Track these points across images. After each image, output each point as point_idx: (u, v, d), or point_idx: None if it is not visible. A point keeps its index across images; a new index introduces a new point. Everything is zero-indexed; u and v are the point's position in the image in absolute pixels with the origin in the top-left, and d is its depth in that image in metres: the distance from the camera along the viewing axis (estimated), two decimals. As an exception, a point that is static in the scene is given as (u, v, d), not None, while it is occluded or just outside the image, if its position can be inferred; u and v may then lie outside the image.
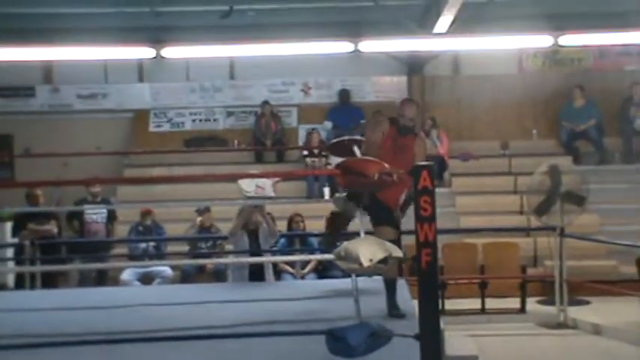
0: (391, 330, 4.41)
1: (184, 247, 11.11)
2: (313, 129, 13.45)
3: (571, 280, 9.50)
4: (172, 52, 12.38)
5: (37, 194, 10.78)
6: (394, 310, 5.89)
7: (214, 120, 14.36)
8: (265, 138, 13.73)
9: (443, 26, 11.56)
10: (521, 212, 12.21)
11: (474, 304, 9.85)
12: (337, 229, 6.54)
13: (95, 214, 11.05)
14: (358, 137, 7.48)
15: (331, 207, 8.22)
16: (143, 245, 10.63)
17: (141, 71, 14.35)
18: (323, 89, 14.39)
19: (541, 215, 9.94)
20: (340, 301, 6.08)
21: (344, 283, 6.63)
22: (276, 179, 12.91)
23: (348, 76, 14.27)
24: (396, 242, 5.70)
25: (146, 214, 10.86)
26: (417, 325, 4.40)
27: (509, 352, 8.50)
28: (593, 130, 13.50)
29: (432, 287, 4.43)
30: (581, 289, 9.94)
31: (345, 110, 13.95)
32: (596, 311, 9.66)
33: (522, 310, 9.87)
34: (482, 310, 9.85)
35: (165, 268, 10.59)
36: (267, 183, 12.83)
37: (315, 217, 11.11)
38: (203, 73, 14.16)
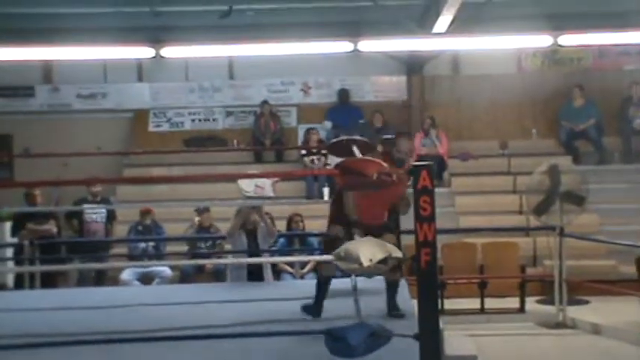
0: (391, 330, 4.41)
1: (184, 247, 11.10)
2: (312, 128, 13.44)
3: (570, 280, 9.50)
4: (172, 51, 12.37)
5: (36, 194, 10.78)
6: (394, 311, 5.89)
7: (214, 120, 14.36)
8: (264, 138, 13.73)
9: (442, 26, 11.56)
10: (520, 212, 12.21)
11: (474, 303, 9.85)
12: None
13: (95, 214, 11.05)
14: (357, 137, 7.49)
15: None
16: (142, 245, 10.62)
17: (140, 71, 14.35)
18: (322, 89, 14.39)
19: (540, 215, 9.94)
20: (340, 301, 6.07)
21: (343, 283, 6.63)
22: (276, 179, 12.96)
23: (347, 76, 14.27)
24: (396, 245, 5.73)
25: (146, 213, 10.86)
26: (416, 325, 4.40)
27: (508, 352, 8.50)
28: (592, 130, 13.50)
29: (431, 287, 4.44)
30: (581, 288, 9.94)
31: (344, 110, 13.95)
32: (596, 311, 9.66)
33: (522, 309, 9.88)
34: (482, 310, 9.85)
35: (164, 268, 10.59)
36: (266, 183, 12.82)
37: (315, 217, 11.12)
38: (202, 73, 14.16)
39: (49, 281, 9.76)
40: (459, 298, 9.86)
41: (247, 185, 12.81)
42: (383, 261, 4.83)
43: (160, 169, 13.10)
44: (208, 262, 10.03)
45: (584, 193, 9.79)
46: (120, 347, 5.21)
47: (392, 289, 5.99)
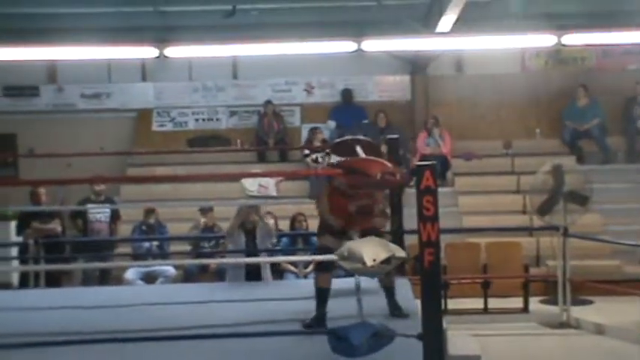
0: (394, 329, 4.42)
1: (187, 247, 11.11)
2: (316, 127, 13.43)
3: (574, 280, 9.50)
4: (175, 51, 12.39)
5: (40, 193, 10.81)
6: (396, 311, 5.89)
7: (217, 119, 14.37)
8: (268, 137, 13.74)
9: (446, 25, 11.56)
10: (524, 212, 12.19)
11: (477, 303, 9.85)
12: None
13: (99, 214, 11.07)
14: (361, 137, 7.49)
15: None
16: (146, 244, 10.64)
17: (144, 71, 14.37)
18: (326, 89, 14.40)
19: (544, 215, 9.94)
20: (343, 300, 6.07)
21: (346, 283, 6.63)
22: (279, 179, 13.01)
23: (351, 76, 14.27)
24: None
25: (149, 213, 10.88)
26: (419, 325, 4.41)
27: (512, 352, 8.50)
28: (596, 130, 13.49)
29: (434, 287, 4.45)
30: (584, 288, 9.93)
31: (348, 110, 13.95)
32: (600, 311, 9.66)
33: (525, 309, 9.87)
34: (485, 310, 9.85)
35: (168, 268, 10.61)
36: (270, 182, 12.92)
37: (318, 216, 11.13)
38: (206, 73, 14.17)
39: (54, 280, 9.79)
40: (462, 297, 9.86)
41: (251, 185, 12.90)
42: (386, 261, 4.83)
43: (163, 169, 13.12)
44: (210, 262, 10.04)
45: (588, 192, 9.79)
46: (123, 346, 5.23)
47: (389, 291, 5.97)
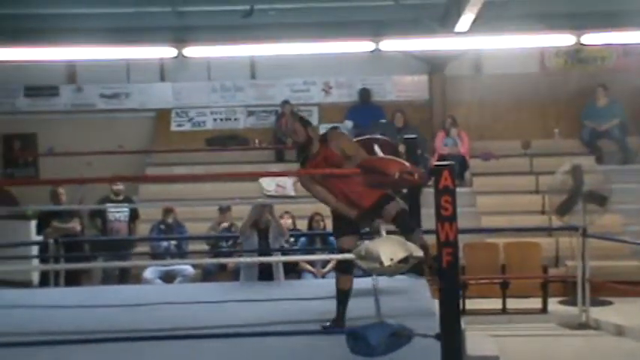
0: (412, 329, 4.42)
1: (205, 246, 11.14)
2: (334, 127, 13.41)
3: (593, 281, 9.45)
4: (194, 51, 12.43)
5: (60, 193, 10.87)
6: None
7: (235, 119, 14.40)
8: (286, 137, 13.74)
9: (464, 25, 11.52)
10: (542, 212, 12.15)
11: (495, 304, 9.83)
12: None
13: (118, 213, 11.11)
14: (379, 136, 7.49)
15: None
16: (165, 244, 10.68)
17: (162, 71, 14.42)
18: (343, 88, 14.40)
19: (563, 215, 9.90)
20: (360, 300, 6.08)
21: (364, 283, 6.63)
22: (297, 178, 13.00)
23: (368, 76, 14.26)
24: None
25: (167, 212, 10.92)
26: (437, 325, 4.41)
27: (530, 353, 8.47)
28: (616, 130, 13.40)
29: (452, 287, 4.44)
30: (604, 289, 9.88)
31: (365, 109, 13.94)
32: (619, 312, 9.60)
33: (544, 310, 9.84)
34: (504, 310, 9.82)
35: (186, 267, 10.65)
36: (287, 182, 12.93)
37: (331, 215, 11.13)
38: (224, 73, 14.20)
39: (74, 279, 9.84)
40: (480, 298, 9.84)
41: (268, 184, 12.93)
42: (404, 260, 4.83)
43: (182, 168, 13.17)
44: (226, 261, 10.05)
45: (608, 193, 9.74)
46: (142, 345, 5.26)
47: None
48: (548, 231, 11.42)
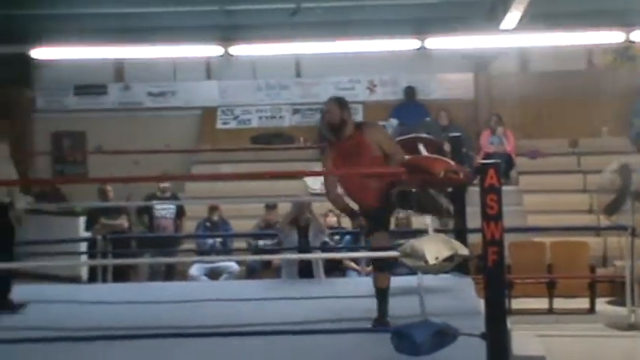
0: (457, 328, 4.41)
1: (250, 243, 11.20)
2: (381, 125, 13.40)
3: (642, 281, 9.32)
4: (240, 50, 12.51)
5: (108, 190, 11.02)
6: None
7: (280, 117, 14.47)
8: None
9: (510, 22, 11.44)
10: (590, 211, 12.02)
11: (542, 303, 9.74)
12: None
13: (164, 210, 11.23)
14: (424, 135, 7.46)
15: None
16: (210, 241, 10.76)
17: (209, 69, 14.54)
18: (388, 86, 14.38)
19: (611, 214, 9.77)
20: (405, 298, 6.07)
21: (409, 281, 6.63)
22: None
23: (413, 74, 14.22)
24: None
25: (213, 210, 11.01)
26: (483, 324, 4.39)
27: (577, 354, 8.38)
28: (665, 128, 13.23)
29: (498, 286, 4.42)
30: (653, 289, 9.74)
31: (410, 107, 13.90)
32: (669, 312, 9.46)
33: (591, 310, 9.73)
34: (550, 310, 9.74)
35: (232, 264, 10.73)
36: (332, 180, 12.92)
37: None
38: (270, 71, 14.27)
39: (121, 275, 9.95)
40: (526, 297, 9.76)
41: (313, 182, 12.95)
42: (449, 258, 4.82)
43: (227, 166, 13.26)
44: (268, 258, 10.08)
45: (657, 192, 9.60)
46: (187, 341, 5.32)
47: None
48: (595, 230, 11.29)
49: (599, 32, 11.99)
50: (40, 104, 14.57)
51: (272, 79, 14.43)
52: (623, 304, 9.43)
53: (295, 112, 14.47)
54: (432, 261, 4.64)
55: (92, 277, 9.93)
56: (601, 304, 9.85)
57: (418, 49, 12.18)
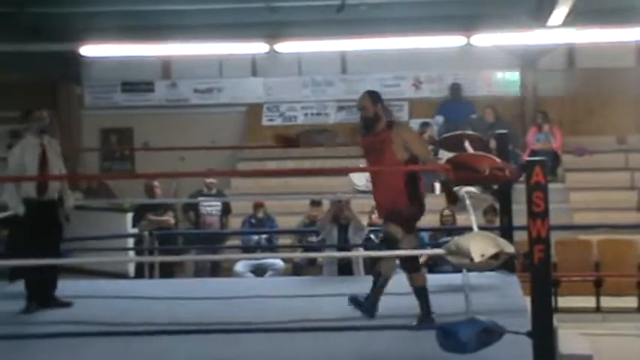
0: (503, 326, 4.39)
1: (296, 240, 11.24)
2: (426, 123, 13.35)
3: (691, 280, 9.19)
4: (285, 46, 12.56)
5: (155, 186, 11.13)
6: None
7: (326, 114, 14.47)
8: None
9: (557, 18, 11.32)
10: (638, 209, 11.89)
11: (589, 302, 9.65)
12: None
13: (210, 207, 11.31)
14: (470, 132, 7.44)
15: (441, 201, 8.24)
16: (255, 237, 10.82)
17: (254, 66, 14.59)
18: (434, 83, 14.31)
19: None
20: (451, 296, 6.07)
21: (455, 278, 6.61)
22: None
23: (459, 70, 14.13)
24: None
25: (258, 206, 11.06)
26: (529, 322, 4.37)
27: (625, 353, 8.29)
28: None
29: (544, 284, 4.40)
30: (702, 289, 9.60)
31: (456, 105, 13.82)
32: None
33: None
34: (597, 309, 9.64)
35: (277, 261, 10.76)
36: (377, 177, 12.91)
37: (426, 211, 11.07)
38: (315, 68, 14.28)
39: (167, 271, 10.05)
40: (573, 296, 9.68)
41: (358, 179, 12.89)
42: (495, 256, 4.80)
43: (272, 163, 13.31)
44: (313, 256, 10.11)
45: None
46: (232, 337, 5.37)
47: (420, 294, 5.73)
48: (643, 229, 11.14)
49: (648, 28, 11.82)
50: (88, 101, 14.77)
51: (317, 76, 14.44)
52: (671, 303, 9.32)
53: (340, 108, 14.46)
54: (477, 259, 4.62)
55: (139, 273, 10.03)
56: (650, 303, 9.73)
57: (464, 45, 12.11)
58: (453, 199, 6.21)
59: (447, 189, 6.12)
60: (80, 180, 12.88)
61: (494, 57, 13.78)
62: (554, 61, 13.90)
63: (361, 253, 8.50)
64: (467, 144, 6.34)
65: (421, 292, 5.66)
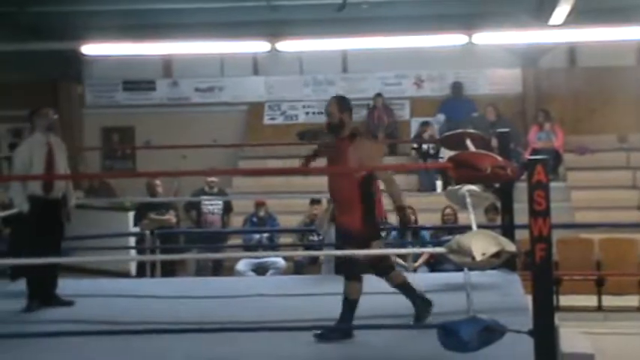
0: (504, 325, 4.39)
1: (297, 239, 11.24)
2: (426, 122, 13.36)
3: (693, 279, 9.18)
4: (286, 45, 12.55)
5: (156, 185, 11.13)
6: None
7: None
8: (378, 131, 13.75)
9: (559, 17, 11.31)
10: (639, 207, 11.86)
11: (590, 301, 9.64)
12: None
13: (212, 206, 11.31)
14: (472, 130, 7.43)
15: (443, 200, 8.24)
16: (257, 236, 10.81)
17: (256, 65, 14.60)
18: (435, 82, 14.32)
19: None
20: (452, 295, 6.06)
21: (456, 277, 6.61)
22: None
23: (461, 69, 14.14)
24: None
25: (259, 205, 11.06)
26: (530, 321, 4.37)
27: (627, 352, 8.28)
28: None
29: (546, 283, 4.40)
30: None
31: (457, 103, 13.83)
32: None
33: (641, 308, 9.61)
34: (599, 308, 9.63)
35: (278, 259, 10.76)
36: (379, 176, 12.89)
37: (427, 209, 11.10)
38: (316, 67, 14.29)
39: (169, 270, 10.05)
40: (574, 294, 9.66)
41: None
42: (496, 255, 4.79)
43: (274, 162, 13.30)
44: (315, 254, 10.10)
45: None
46: (233, 335, 5.37)
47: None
48: (645, 227, 11.13)
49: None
50: (89, 100, 14.78)
51: (319, 75, 14.45)
52: (673, 302, 9.31)
53: (342, 107, 14.44)
54: (478, 257, 4.61)
55: (140, 272, 10.04)
56: (651, 301, 9.72)
57: (466, 44, 12.10)
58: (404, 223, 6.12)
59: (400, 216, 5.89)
60: (81, 179, 12.88)
61: (495, 55, 13.79)
62: (556, 60, 13.91)
63: (361, 252, 8.47)
64: (468, 142, 6.33)
65: (405, 288, 5.61)
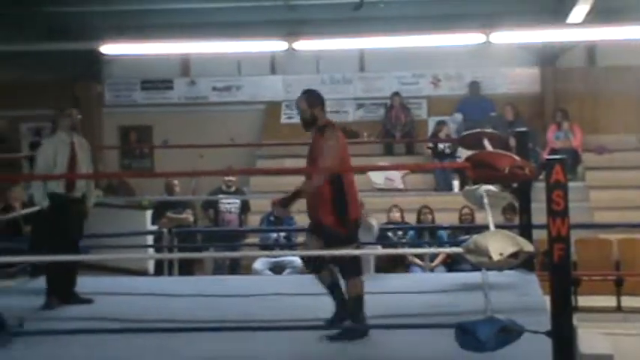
0: (522, 325, 4.38)
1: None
2: (441, 121, 13.33)
3: None
4: (304, 44, 12.54)
5: (174, 184, 11.16)
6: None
7: (344, 112, 14.47)
8: (395, 130, 13.75)
9: (578, 16, 11.26)
10: (659, 208, 11.80)
11: (609, 301, 9.59)
12: None
13: (229, 205, 11.33)
14: (489, 130, 7.42)
15: (460, 200, 8.22)
16: (274, 235, 10.82)
17: (273, 64, 14.62)
18: (453, 81, 14.29)
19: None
20: (470, 294, 6.05)
21: (473, 277, 6.59)
22: (405, 171, 13.01)
23: (478, 68, 14.10)
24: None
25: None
26: (548, 322, 4.35)
27: (646, 353, 8.23)
28: None
29: (564, 283, 4.39)
30: None
31: (475, 102, 13.80)
32: None
33: (660, 308, 9.56)
34: (618, 308, 9.58)
35: (295, 258, 10.75)
36: (396, 175, 12.93)
37: (444, 209, 11.09)
38: (333, 66, 14.29)
39: (187, 268, 10.08)
40: (593, 295, 9.62)
41: (377, 177, 12.94)
42: (514, 255, 4.78)
43: (291, 161, 13.30)
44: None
45: None
46: (250, 334, 5.38)
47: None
48: (664, 228, 11.06)
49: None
50: (108, 99, 14.85)
51: (336, 74, 14.45)
52: (692, 302, 9.25)
53: (359, 106, 14.47)
54: (496, 257, 4.60)
55: (158, 271, 10.07)
56: (670, 302, 9.67)
57: (483, 43, 12.06)
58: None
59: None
60: (99, 178, 12.93)
61: (513, 54, 13.75)
62: (575, 59, 13.85)
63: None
64: (486, 142, 6.32)
65: (357, 302, 5.47)
